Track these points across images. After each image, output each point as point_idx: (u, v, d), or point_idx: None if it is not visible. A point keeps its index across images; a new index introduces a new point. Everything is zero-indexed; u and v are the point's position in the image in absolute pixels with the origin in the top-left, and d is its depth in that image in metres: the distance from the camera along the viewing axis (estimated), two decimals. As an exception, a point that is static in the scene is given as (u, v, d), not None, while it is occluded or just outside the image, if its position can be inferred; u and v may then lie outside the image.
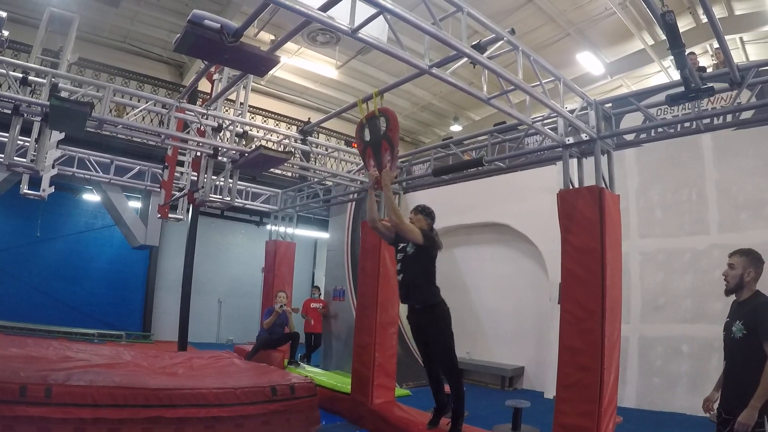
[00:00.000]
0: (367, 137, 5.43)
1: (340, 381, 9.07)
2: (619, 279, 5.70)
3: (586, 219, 5.54)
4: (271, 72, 14.29)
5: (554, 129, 6.14)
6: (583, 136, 5.89)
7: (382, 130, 5.24)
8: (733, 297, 4.08)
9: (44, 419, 4.98)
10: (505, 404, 8.03)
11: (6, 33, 4.57)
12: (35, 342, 8.25)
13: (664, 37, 4.14)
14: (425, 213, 6.03)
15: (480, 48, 4.67)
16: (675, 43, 3.97)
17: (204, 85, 8.12)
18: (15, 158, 7.33)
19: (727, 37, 4.65)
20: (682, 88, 4.78)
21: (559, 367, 5.58)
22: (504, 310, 11.96)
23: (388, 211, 5.54)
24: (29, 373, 5.38)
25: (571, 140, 5.99)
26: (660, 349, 9.27)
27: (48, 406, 5.01)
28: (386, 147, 5.28)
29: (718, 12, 12.28)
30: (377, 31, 4.44)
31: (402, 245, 5.85)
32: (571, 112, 5.83)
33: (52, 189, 9.17)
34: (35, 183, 9.17)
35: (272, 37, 12.47)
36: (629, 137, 6.27)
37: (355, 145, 5.74)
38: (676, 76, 4.60)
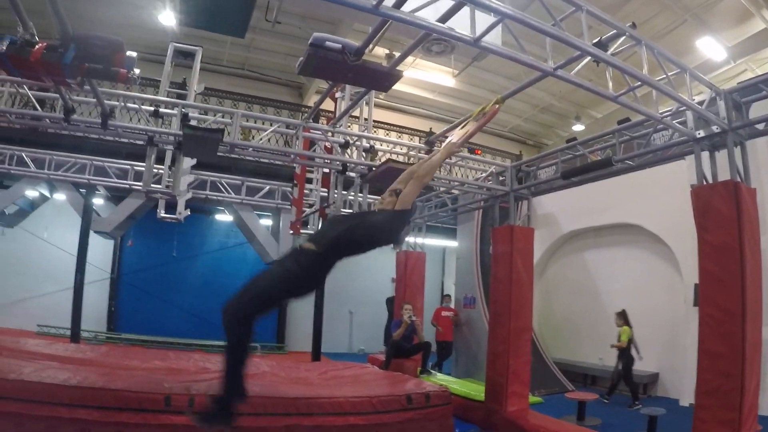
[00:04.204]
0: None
1: (473, 389, 9.07)
2: (759, 278, 5.40)
3: (723, 215, 5.31)
4: (390, 86, 14.55)
5: (682, 123, 5.93)
6: (714, 129, 5.64)
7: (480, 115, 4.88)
8: None
9: (188, 427, 5.20)
10: (640, 412, 7.78)
11: (138, 71, 4.95)
12: (176, 355, 8.78)
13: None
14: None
15: (602, 45, 4.59)
16: None
17: (325, 104, 8.42)
18: (152, 185, 7.92)
19: None
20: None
21: (699, 372, 5.36)
22: (637, 313, 11.47)
23: (426, 167, 4.53)
24: (173, 384, 5.73)
25: (701, 133, 5.75)
26: (803, 353, 8.65)
27: (191, 415, 5.35)
28: (471, 124, 4.86)
29: None
30: (492, 36, 4.44)
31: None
32: (699, 103, 5.60)
33: (188, 212, 9.79)
34: (171, 207, 9.83)
35: (387, 51, 12.71)
36: (761, 126, 5.91)
37: (479, 152, 5.54)
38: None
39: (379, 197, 4.64)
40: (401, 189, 4.44)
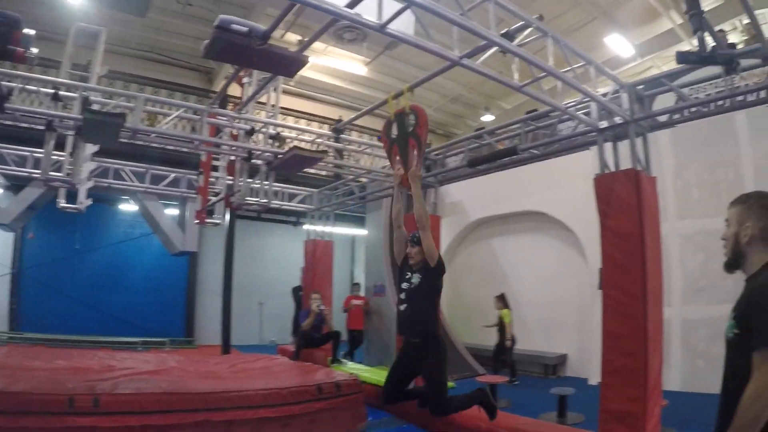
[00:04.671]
0: (394, 134, 5.41)
1: (385, 376, 9.06)
2: (659, 262, 5.66)
3: (624, 203, 5.52)
4: (299, 72, 14.44)
5: (587, 114, 6.11)
6: (617, 120, 5.85)
7: (411, 126, 5.20)
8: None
9: (93, 428, 5.04)
10: (550, 392, 8.01)
11: (35, 50, 4.68)
12: (80, 353, 8.39)
13: (691, 14, 4.04)
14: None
15: (509, 36, 4.66)
16: (692, 5, 3.86)
17: (234, 90, 8.18)
18: (51, 173, 7.49)
19: (756, 12, 4.52)
20: (717, 68, 4.71)
21: (604, 353, 5.56)
22: (545, 298, 11.90)
23: (417, 211, 5.04)
24: (76, 384, 5.46)
25: (605, 124, 5.96)
26: (703, 331, 9.18)
27: (96, 415, 5.08)
28: (413, 144, 5.21)
29: (748, -15, 12.01)
30: (404, 25, 4.44)
31: (408, 275, 5.29)
32: (603, 95, 5.79)
33: (90, 201, 9.31)
34: (72, 196, 9.33)
35: (299, 38, 12.55)
36: (663, 118, 6.17)
37: (383, 141, 5.67)
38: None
39: (403, 250, 5.35)
40: (417, 235, 5.11)
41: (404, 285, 5.28)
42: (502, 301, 10.75)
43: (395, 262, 5.63)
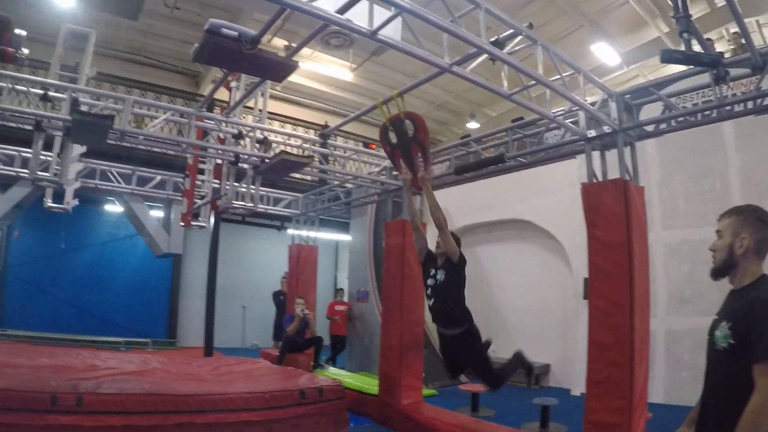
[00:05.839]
0: (393, 140, 5.44)
1: (367, 383, 9.08)
2: (646, 272, 5.63)
3: (612, 212, 5.48)
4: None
5: (575, 122, 6.10)
6: (605, 129, 5.83)
7: (410, 133, 5.27)
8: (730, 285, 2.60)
9: (75, 427, 5.02)
10: (533, 402, 7.98)
11: (26, 51, 4.65)
12: (64, 351, 8.33)
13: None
14: (453, 236, 5.60)
15: (499, 44, 4.63)
16: (681, 6, 3.79)
17: (220, 94, 8.14)
18: (38, 173, 7.48)
19: (744, 20, 4.49)
20: (705, 77, 4.70)
21: (589, 363, 5.51)
22: (528, 307, 11.88)
23: (432, 213, 5.41)
24: (59, 382, 5.43)
25: (593, 133, 5.94)
26: (687, 342, 9.10)
27: (79, 414, 5.06)
28: (416, 149, 5.35)
29: (734, -6, 12.10)
30: (391, 31, 4.43)
31: (432, 271, 5.59)
32: (591, 104, 5.77)
33: (76, 201, 9.35)
34: (59, 196, 9.31)
35: (285, 43, 12.52)
36: (650, 128, 6.17)
37: (374, 147, 5.71)
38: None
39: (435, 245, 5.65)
40: (439, 242, 5.50)
41: (429, 281, 5.58)
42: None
43: (379, 267, 5.72)
